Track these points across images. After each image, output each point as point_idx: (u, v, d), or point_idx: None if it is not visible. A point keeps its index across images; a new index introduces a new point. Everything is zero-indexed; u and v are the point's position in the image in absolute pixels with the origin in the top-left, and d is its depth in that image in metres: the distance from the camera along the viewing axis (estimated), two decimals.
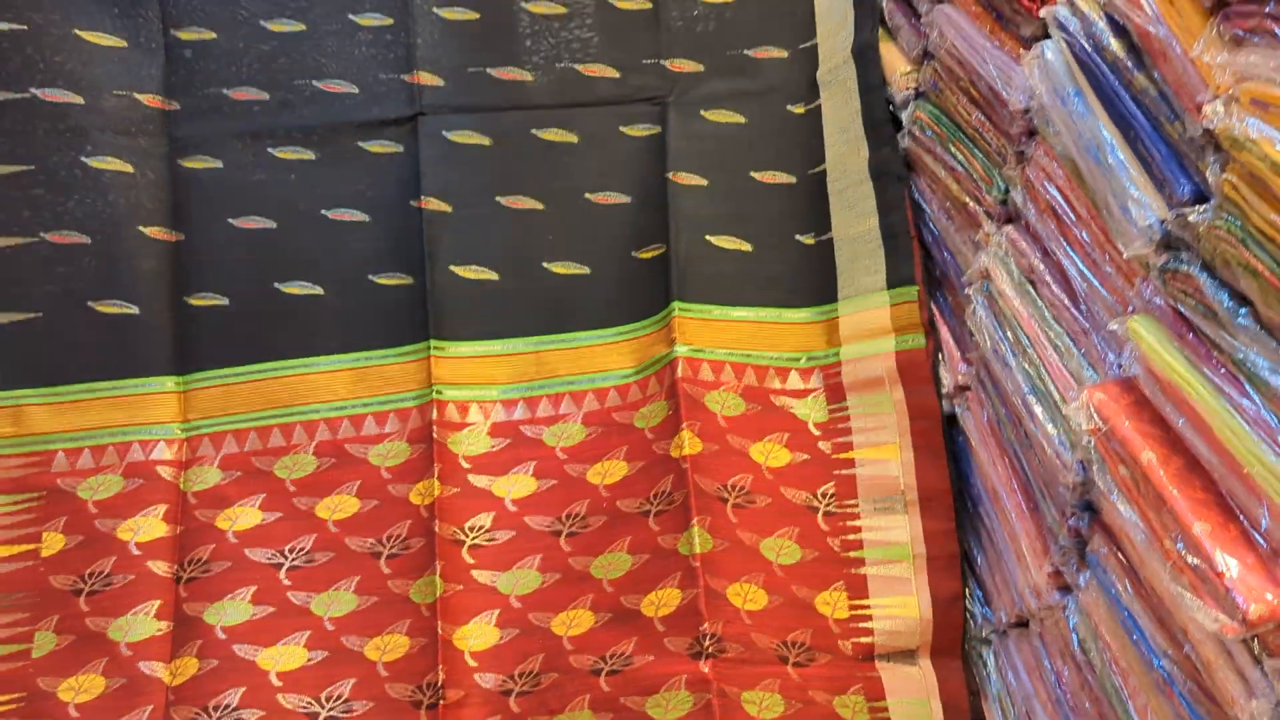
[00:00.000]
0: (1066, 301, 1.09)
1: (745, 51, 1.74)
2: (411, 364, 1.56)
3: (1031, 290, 1.15)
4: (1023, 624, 1.27)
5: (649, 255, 1.63)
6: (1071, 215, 1.07)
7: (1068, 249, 1.08)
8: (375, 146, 1.67)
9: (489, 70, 1.71)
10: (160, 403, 1.54)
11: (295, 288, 1.60)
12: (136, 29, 1.67)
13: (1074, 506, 1.08)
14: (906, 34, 1.49)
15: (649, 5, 1.75)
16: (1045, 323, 1.12)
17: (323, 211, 1.63)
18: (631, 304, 1.61)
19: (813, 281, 1.61)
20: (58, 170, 1.59)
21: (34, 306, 1.55)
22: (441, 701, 1.33)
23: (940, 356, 1.42)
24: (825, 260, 1.62)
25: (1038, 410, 1.12)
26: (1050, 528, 1.14)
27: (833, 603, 1.40)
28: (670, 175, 1.66)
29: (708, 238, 1.64)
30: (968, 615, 1.40)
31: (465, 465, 1.51)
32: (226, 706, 1.35)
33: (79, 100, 1.62)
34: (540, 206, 1.66)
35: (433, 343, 1.56)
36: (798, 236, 1.65)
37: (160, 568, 1.43)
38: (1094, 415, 0.95)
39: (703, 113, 1.71)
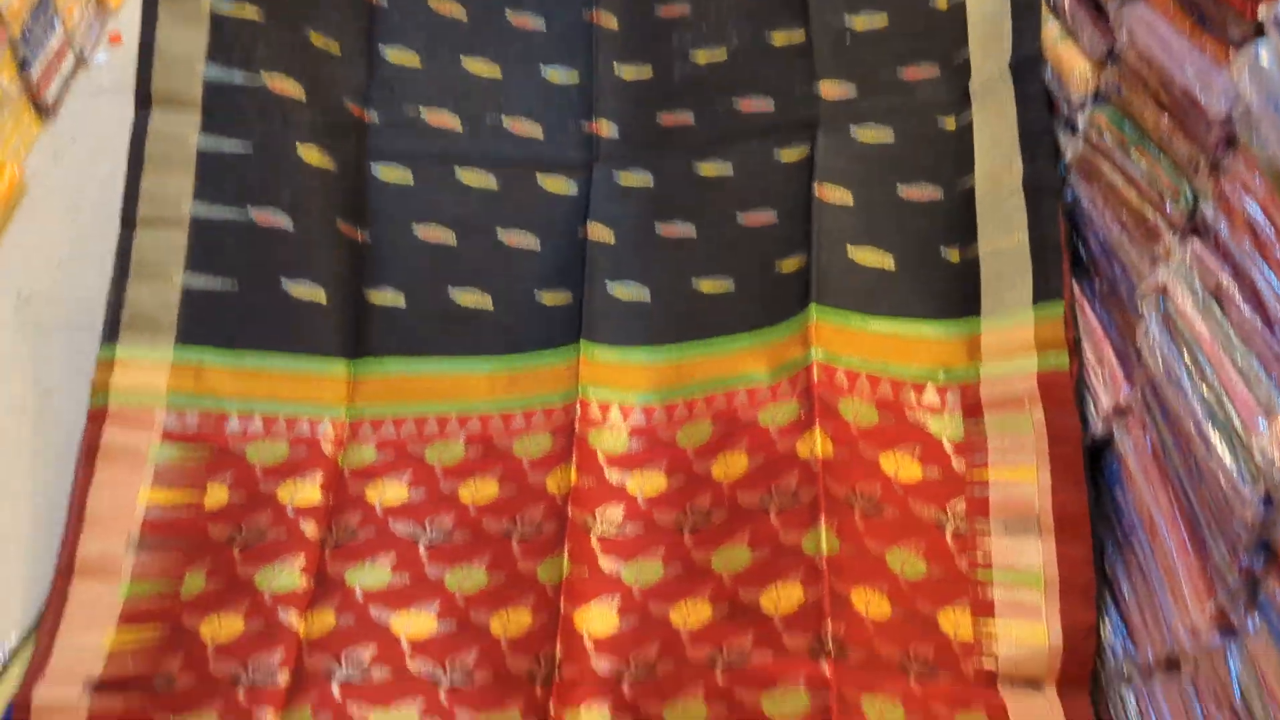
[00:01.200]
0: (1259, 324, 1.01)
1: (898, 70, 1.79)
2: (562, 368, 1.65)
3: (1217, 310, 1.08)
4: (1172, 666, 1.19)
5: (790, 268, 1.67)
6: (1272, 232, 0.99)
7: (1264, 268, 1.01)
8: (552, 184, 1.82)
9: (658, 116, 1.86)
10: (330, 385, 1.65)
11: (467, 296, 1.73)
12: (351, 39, 1.83)
13: (1249, 545, 1.00)
14: (1089, 33, 1.41)
15: (803, 38, 1.84)
16: (1231, 345, 1.04)
17: (498, 233, 1.78)
18: (770, 312, 1.65)
19: (955, 297, 1.60)
20: (273, 155, 1.73)
21: (232, 277, 1.67)
22: (557, 677, 1.32)
23: (1098, 376, 1.35)
24: (969, 276, 1.60)
25: (1214, 440, 1.04)
26: (1217, 566, 1.06)
27: (956, 622, 1.35)
28: (816, 190, 1.70)
29: (849, 252, 1.66)
30: (1108, 650, 1.32)
31: (602, 461, 1.56)
32: (358, 661, 1.38)
33: (301, 96, 1.76)
34: (693, 233, 1.76)
35: (583, 346, 1.64)
36: (942, 252, 1.65)
37: (310, 530, 1.51)
38: None
39: (853, 131, 1.76)
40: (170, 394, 1.60)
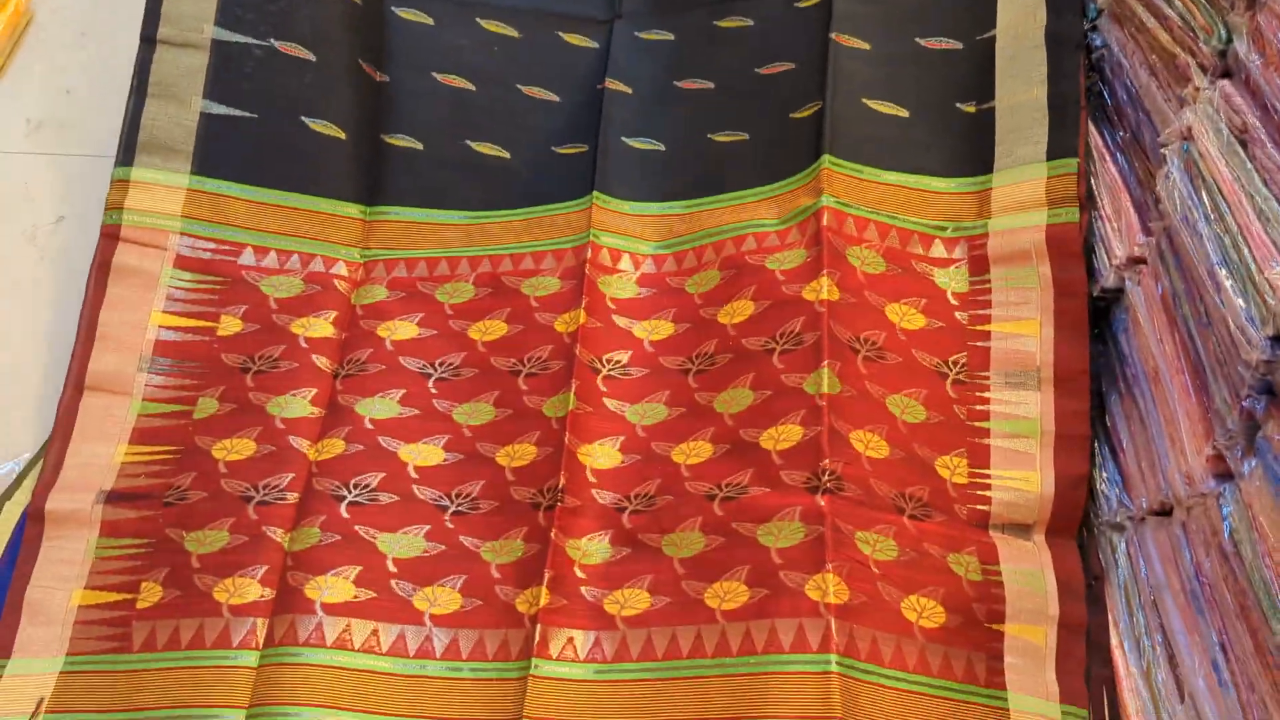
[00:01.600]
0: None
1: None
2: (576, 214, 1.65)
3: (1241, 152, 1.05)
4: (1164, 512, 1.21)
5: (805, 114, 1.65)
6: None
7: None
8: (573, 39, 1.82)
9: None
10: (346, 226, 1.67)
11: (485, 147, 1.73)
12: None
13: (1251, 387, 1.00)
14: None
15: None
16: (1253, 186, 1.02)
17: (517, 85, 1.78)
18: (784, 162, 1.63)
19: (968, 151, 1.58)
20: None
21: (252, 107, 1.66)
22: (559, 504, 1.35)
23: (1114, 227, 1.33)
24: (984, 130, 1.58)
25: (1226, 282, 1.03)
26: (1218, 410, 1.07)
27: (952, 467, 1.38)
28: (834, 36, 1.67)
29: (864, 100, 1.64)
30: (1102, 500, 1.34)
31: (611, 306, 1.57)
32: (366, 486, 1.42)
33: None
34: (711, 85, 1.75)
35: (596, 195, 1.64)
36: (958, 104, 1.63)
37: (323, 362, 1.54)
38: None
39: None
40: (185, 220, 1.60)
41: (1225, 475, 1.08)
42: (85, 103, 1.95)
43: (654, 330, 1.55)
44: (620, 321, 1.56)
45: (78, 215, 1.80)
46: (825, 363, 1.39)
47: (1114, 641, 1.26)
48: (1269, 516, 0.99)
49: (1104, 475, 1.35)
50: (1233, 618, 1.05)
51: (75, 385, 1.49)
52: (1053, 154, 1.49)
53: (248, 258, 1.61)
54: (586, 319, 1.53)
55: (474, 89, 1.77)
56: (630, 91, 1.76)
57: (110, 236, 1.57)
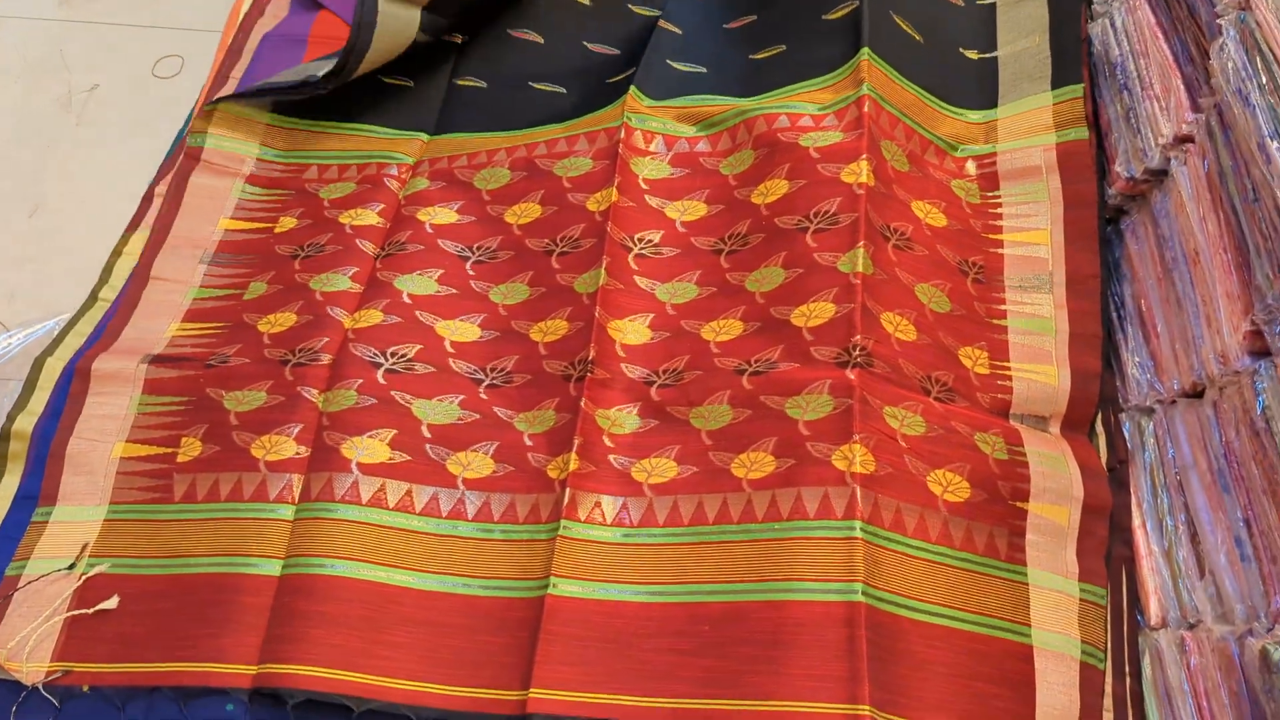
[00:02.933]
0: None
1: None
2: (613, 110, 1.67)
3: None
4: (1195, 394, 1.21)
5: (839, 14, 1.67)
6: None
7: None
8: (640, 9, 1.87)
9: None
10: (407, 145, 1.74)
11: (545, 85, 1.80)
12: None
13: None
14: None
15: None
16: None
17: (584, 41, 1.85)
18: (823, 59, 1.65)
19: (974, 91, 1.64)
20: None
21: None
22: (589, 375, 1.36)
23: (1162, 106, 1.30)
24: (988, 75, 1.65)
25: (1277, 154, 1.01)
26: (1259, 286, 1.06)
27: (974, 358, 1.39)
28: None
29: (892, 13, 1.67)
30: (1133, 384, 1.34)
31: (643, 186, 1.58)
32: (402, 355, 1.44)
33: None
34: (754, 18, 1.79)
35: (633, 89, 1.67)
36: (962, 50, 1.68)
37: (366, 246, 1.58)
38: None
39: None
40: (261, 149, 1.73)
41: (1261, 352, 1.08)
42: None
43: (686, 211, 1.56)
44: (653, 202, 1.57)
45: (112, 83, 1.80)
46: (861, 243, 1.39)
47: (1136, 522, 1.27)
48: None
49: (1135, 360, 1.34)
50: (1259, 493, 1.06)
51: (140, 278, 1.57)
52: (1057, 84, 1.56)
53: (312, 173, 1.71)
54: (619, 198, 1.54)
55: (542, 41, 1.85)
56: (679, 31, 1.79)
57: (192, 157, 1.69)
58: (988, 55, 1.67)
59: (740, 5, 1.81)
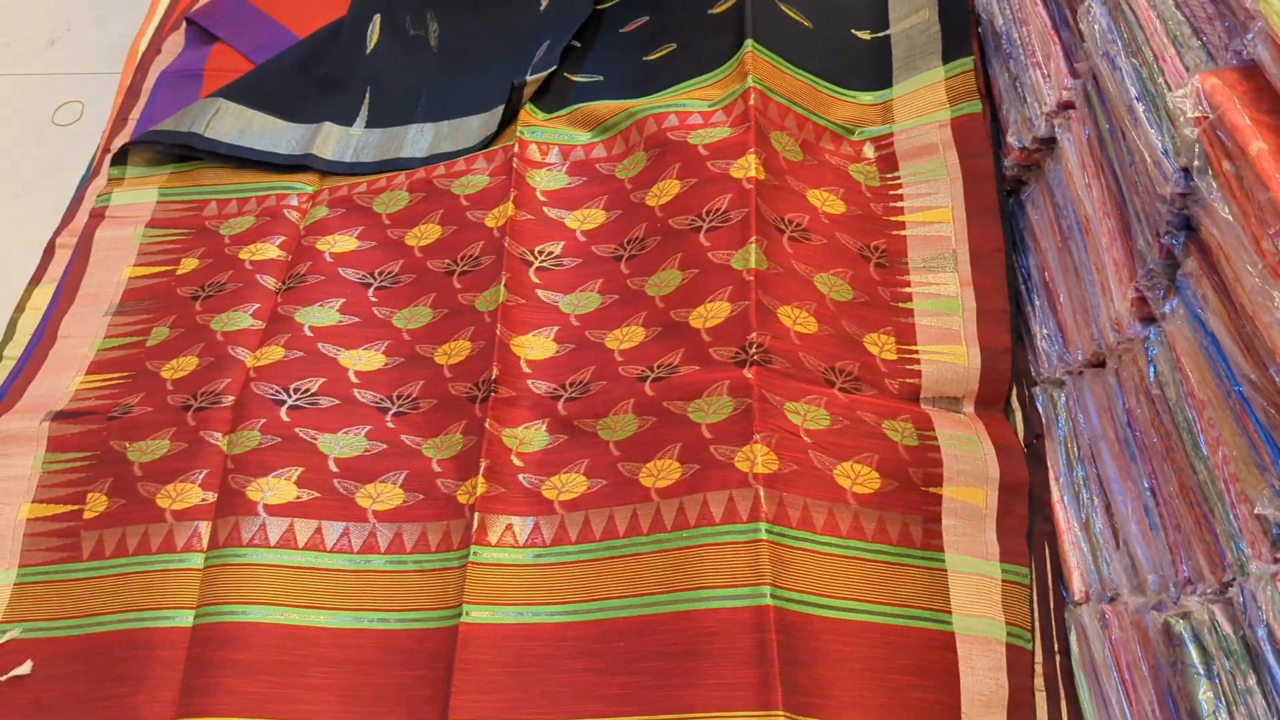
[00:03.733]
0: None
1: None
2: (510, 128, 1.67)
3: None
4: (1099, 364, 1.19)
5: (723, 9, 1.68)
6: None
7: None
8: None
9: None
10: (308, 176, 1.71)
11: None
12: None
13: (1169, 223, 0.97)
14: None
15: None
16: (1167, 10, 0.97)
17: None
18: (709, 55, 1.66)
19: (868, 72, 1.64)
20: None
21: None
22: (493, 394, 1.34)
23: (1044, 73, 1.28)
24: (881, 54, 1.65)
25: (1143, 114, 0.99)
26: (1141, 251, 1.04)
27: (881, 344, 1.37)
28: None
29: (778, 2, 1.68)
30: (1044, 357, 1.32)
31: (541, 198, 1.57)
32: (306, 390, 1.42)
33: None
34: (646, 19, 1.79)
35: (528, 105, 1.67)
36: (854, 31, 1.68)
37: (268, 281, 1.56)
38: (1203, 102, 0.83)
39: None
40: (160, 192, 1.72)
41: (1150, 318, 1.06)
42: (8, 21, 1.91)
43: (585, 220, 1.54)
44: (551, 213, 1.55)
45: (11, 134, 1.78)
46: (753, 239, 1.38)
47: (1055, 497, 1.26)
48: (1190, 356, 0.97)
49: (1044, 332, 1.32)
50: (1160, 460, 1.04)
51: (48, 337, 1.56)
52: (948, 57, 1.56)
53: (211, 209, 1.68)
54: (515, 211, 1.52)
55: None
56: (579, 44, 1.78)
57: (97, 215, 1.70)
58: (880, 34, 1.67)
59: (634, 8, 1.79)
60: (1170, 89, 0.95)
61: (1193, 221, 0.95)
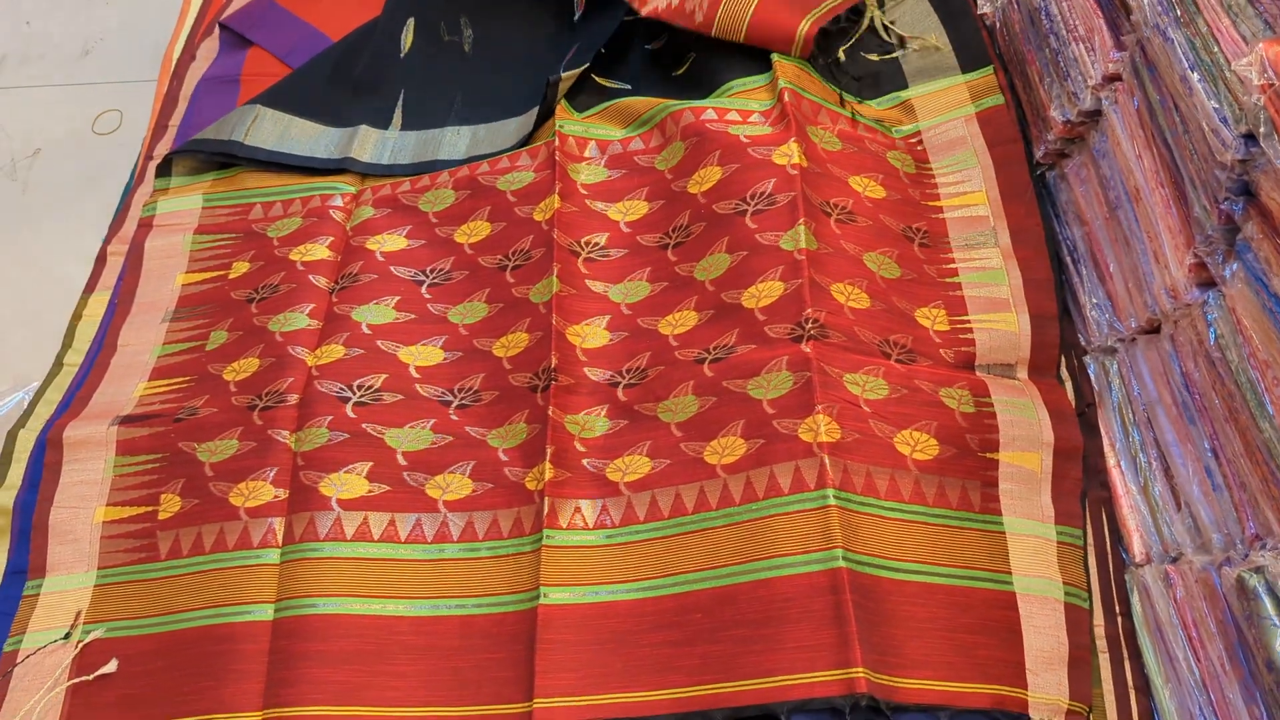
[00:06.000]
0: None
1: None
2: (548, 124, 1.70)
3: None
4: (1153, 330, 1.22)
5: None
6: None
7: None
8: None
9: None
10: (350, 176, 1.73)
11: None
12: None
13: (1229, 190, 1.00)
14: None
15: None
16: None
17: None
18: (743, 68, 1.69)
19: (882, 84, 1.69)
20: None
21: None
22: (554, 383, 1.37)
23: (1089, 48, 1.30)
24: (893, 69, 1.70)
25: (1199, 85, 1.01)
26: (1198, 218, 1.06)
27: (933, 317, 1.41)
28: None
29: None
30: (1093, 325, 1.34)
31: (583, 191, 1.60)
32: (369, 387, 1.44)
33: None
34: (667, 36, 1.81)
35: (563, 103, 1.72)
36: (862, 54, 1.73)
37: (320, 281, 1.59)
38: (1268, 69, 0.86)
39: None
40: (204, 198, 1.74)
41: (1208, 283, 1.09)
42: (44, 34, 1.93)
43: (628, 211, 1.57)
44: (594, 205, 1.58)
45: (53, 146, 1.80)
46: (801, 220, 1.41)
47: (1110, 463, 1.28)
48: (1252, 317, 0.99)
49: (1093, 301, 1.35)
50: (1222, 422, 1.07)
51: (109, 347, 1.58)
52: (967, 69, 1.64)
53: (257, 213, 1.70)
54: (561, 204, 1.55)
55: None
56: (604, 51, 1.79)
57: (145, 225, 1.72)
58: (888, 56, 1.72)
59: (656, 26, 1.81)
60: (1228, 58, 0.97)
61: (1252, 187, 0.98)
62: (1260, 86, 0.86)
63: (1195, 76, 1.02)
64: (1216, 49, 0.99)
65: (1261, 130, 0.88)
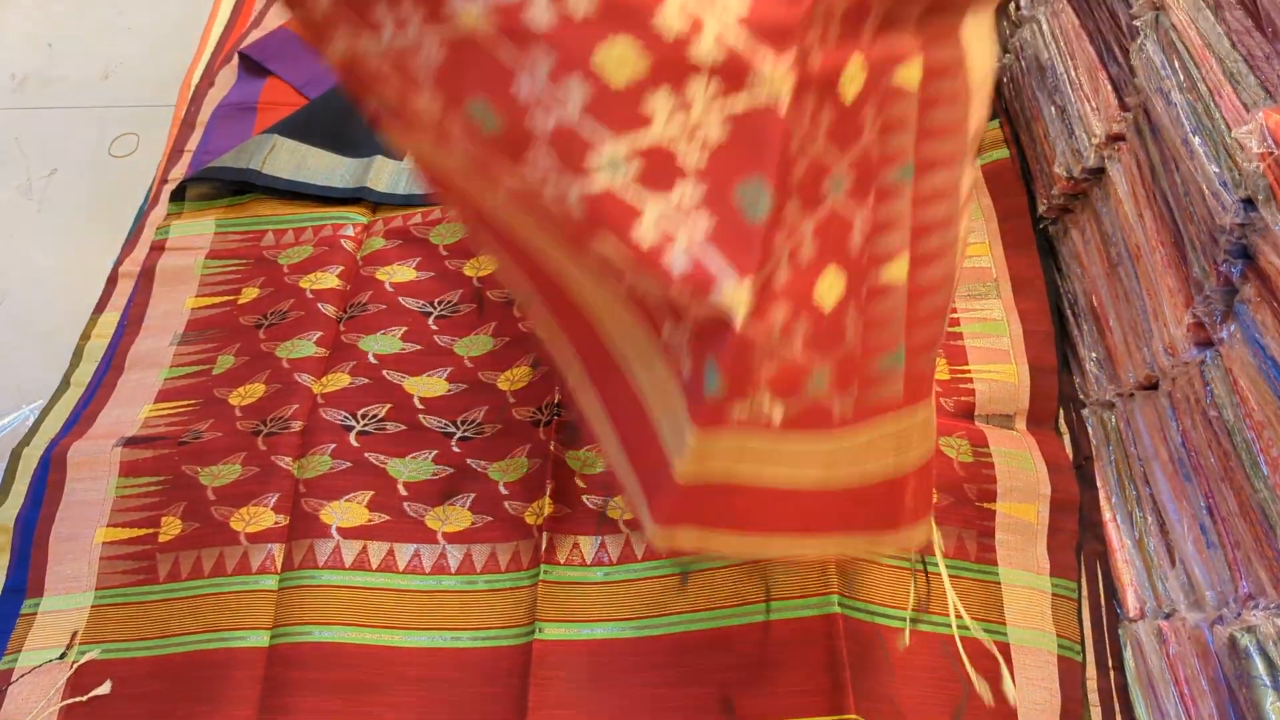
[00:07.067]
0: (1249, 24, 0.98)
1: None
2: None
3: (1211, 16, 1.05)
4: (1151, 386, 1.23)
5: None
6: None
7: None
8: None
9: None
10: (360, 207, 1.77)
11: None
12: None
13: (1228, 252, 1.01)
14: None
15: None
16: (1222, 49, 1.02)
17: None
18: None
19: None
20: None
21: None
22: (556, 418, 1.39)
23: (1093, 106, 1.33)
24: None
25: (1199, 148, 1.03)
26: (1197, 278, 1.08)
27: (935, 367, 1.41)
28: None
29: None
30: (1091, 379, 1.36)
31: None
32: (373, 416, 1.45)
33: None
34: None
35: None
36: None
37: (328, 309, 1.60)
38: (1268, 138, 0.88)
39: None
40: (217, 223, 1.76)
41: (1206, 343, 1.10)
42: (65, 56, 1.96)
43: None
44: None
45: (69, 166, 1.82)
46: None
47: (1106, 516, 1.29)
48: (1248, 378, 1.01)
49: (1093, 355, 1.36)
50: (1217, 480, 1.08)
51: (116, 368, 1.59)
52: None
53: (269, 240, 1.73)
54: None
55: None
56: None
57: (158, 248, 1.74)
58: None
59: None
60: (1229, 125, 0.99)
61: (1250, 250, 0.99)
62: (1260, 155, 0.88)
63: (1197, 140, 1.04)
64: (1218, 114, 1.01)
65: (1260, 196, 0.90)
